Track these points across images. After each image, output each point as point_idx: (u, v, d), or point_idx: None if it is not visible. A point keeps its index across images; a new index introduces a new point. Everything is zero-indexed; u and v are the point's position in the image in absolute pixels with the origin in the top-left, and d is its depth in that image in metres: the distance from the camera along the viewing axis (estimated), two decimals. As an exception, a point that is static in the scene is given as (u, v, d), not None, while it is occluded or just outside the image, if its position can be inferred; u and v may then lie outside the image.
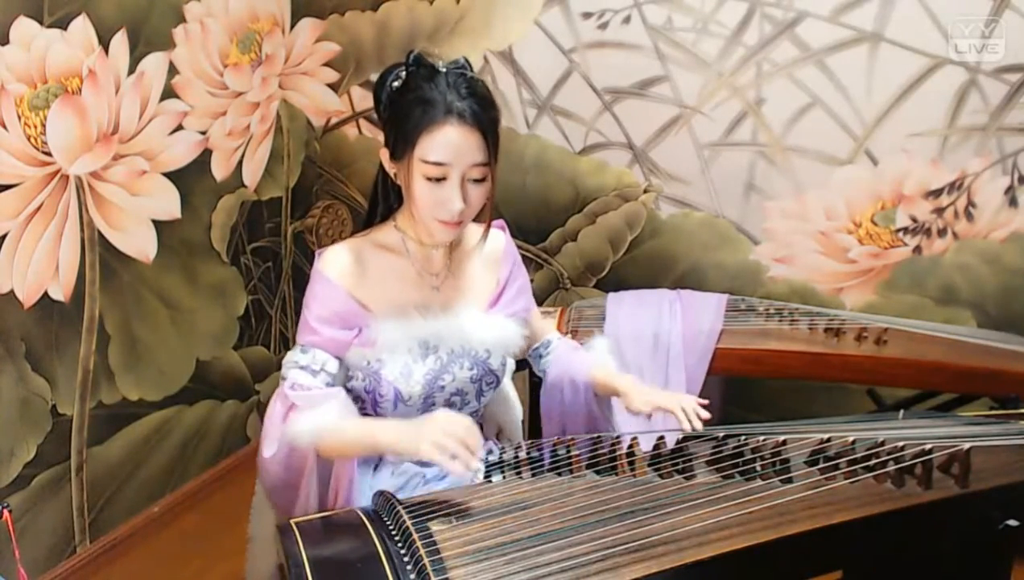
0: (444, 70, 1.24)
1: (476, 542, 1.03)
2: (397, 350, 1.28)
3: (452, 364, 1.32)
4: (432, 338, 1.31)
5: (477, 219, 1.31)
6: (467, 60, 1.28)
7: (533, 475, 1.21)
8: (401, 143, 1.23)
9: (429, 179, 1.22)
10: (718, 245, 2.40)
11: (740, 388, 2.31)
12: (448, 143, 1.20)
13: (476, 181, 1.24)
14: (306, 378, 1.26)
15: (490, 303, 1.39)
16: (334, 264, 1.29)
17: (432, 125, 1.20)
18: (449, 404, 1.34)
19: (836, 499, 1.11)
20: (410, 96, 1.23)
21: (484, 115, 1.22)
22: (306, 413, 1.22)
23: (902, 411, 1.79)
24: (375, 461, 1.35)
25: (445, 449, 1.08)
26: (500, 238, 1.46)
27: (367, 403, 1.32)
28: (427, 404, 1.32)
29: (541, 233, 2.53)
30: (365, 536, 1.07)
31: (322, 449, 1.23)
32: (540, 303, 2.51)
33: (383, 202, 1.37)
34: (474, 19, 2.45)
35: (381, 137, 1.31)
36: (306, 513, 1.25)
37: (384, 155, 1.30)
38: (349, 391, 1.33)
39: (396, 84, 1.26)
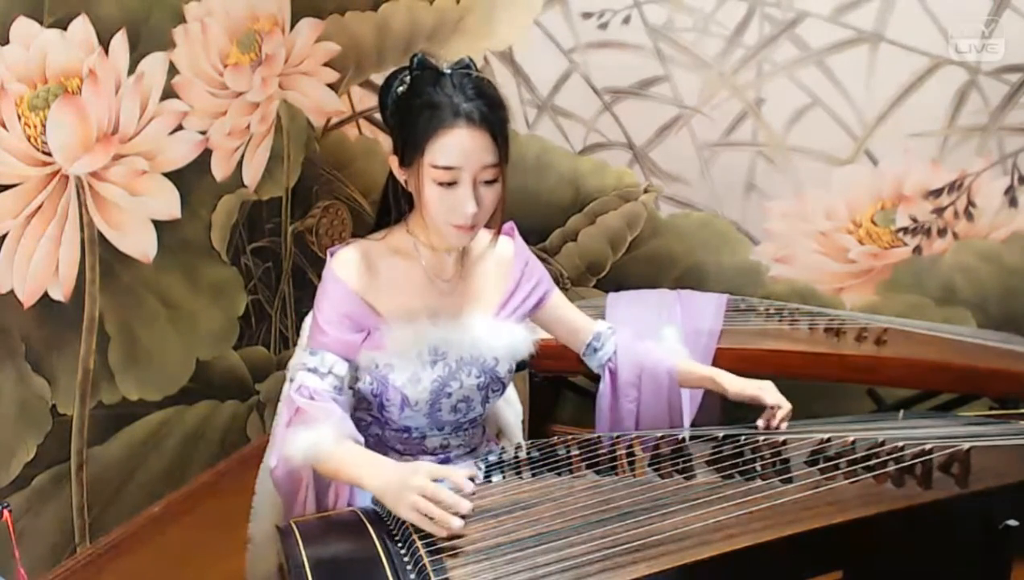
0: (448, 72, 1.21)
1: (476, 542, 1.03)
2: (406, 355, 1.27)
3: (460, 371, 1.31)
4: (441, 344, 1.30)
5: (488, 223, 1.27)
6: (471, 60, 1.25)
7: (533, 475, 1.21)
8: (410, 150, 1.21)
9: (440, 184, 1.19)
10: (718, 245, 2.40)
11: (740, 388, 2.30)
12: (458, 146, 1.17)
13: (488, 183, 1.21)
14: (313, 381, 1.24)
15: (499, 306, 1.38)
16: (346, 266, 1.28)
17: (441, 129, 1.17)
18: (454, 410, 1.34)
19: (836, 499, 1.11)
20: (416, 101, 1.20)
21: (492, 115, 1.19)
22: (302, 432, 1.20)
23: (902, 411, 1.79)
24: None
25: (422, 513, 1.04)
26: (509, 243, 1.43)
27: (373, 406, 1.32)
28: (433, 409, 1.32)
29: (541, 233, 2.53)
30: (365, 536, 1.07)
31: (316, 469, 1.23)
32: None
33: (394, 208, 1.34)
34: (474, 19, 2.45)
35: (381, 137, 1.32)
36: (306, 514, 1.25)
37: (393, 162, 1.27)
38: (356, 393, 1.32)
39: (401, 89, 1.24)
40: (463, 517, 1.04)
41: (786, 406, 1.37)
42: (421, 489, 1.05)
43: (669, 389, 1.43)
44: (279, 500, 1.41)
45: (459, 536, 1.03)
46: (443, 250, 1.33)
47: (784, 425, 1.35)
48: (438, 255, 1.34)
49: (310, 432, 1.19)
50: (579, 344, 1.50)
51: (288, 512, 1.28)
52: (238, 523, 1.50)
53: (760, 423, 1.36)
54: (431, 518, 1.03)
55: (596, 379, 1.53)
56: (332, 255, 1.30)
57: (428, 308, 1.31)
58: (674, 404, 1.45)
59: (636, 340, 1.49)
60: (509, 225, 1.45)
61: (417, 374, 1.28)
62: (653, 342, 1.51)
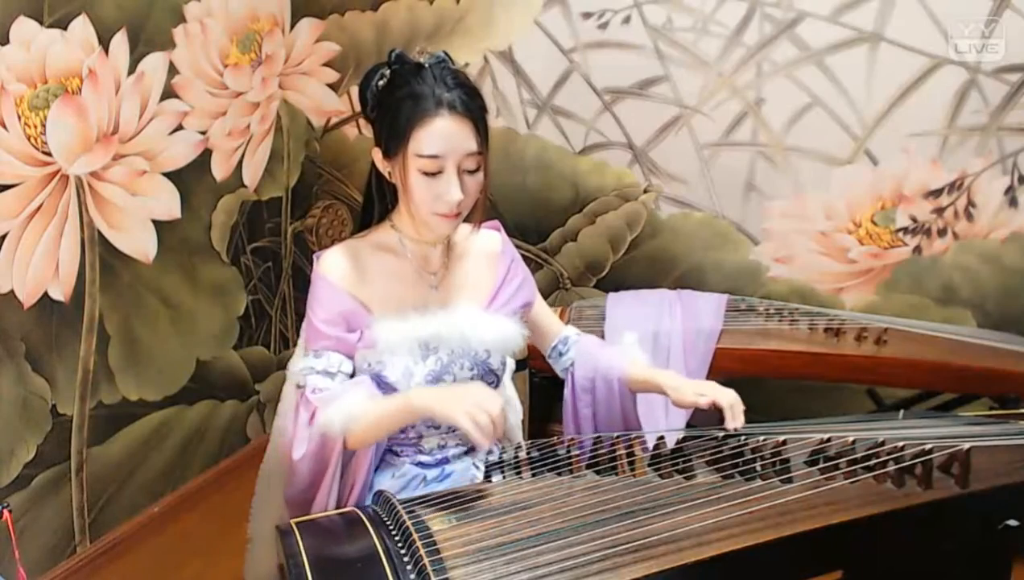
0: (428, 64, 1.24)
1: (476, 542, 1.03)
2: (398, 351, 1.28)
3: (452, 364, 1.32)
4: (432, 339, 1.31)
5: (471, 215, 1.31)
6: (447, 53, 1.28)
7: (533, 475, 1.21)
8: (394, 140, 1.24)
9: (425, 173, 1.22)
10: (718, 245, 2.40)
11: (740, 388, 2.30)
12: (441, 134, 1.21)
13: (471, 172, 1.25)
14: (326, 382, 1.26)
15: (488, 301, 1.39)
16: (334, 267, 1.29)
17: (424, 118, 1.21)
18: None
19: (836, 499, 1.11)
20: (398, 93, 1.23)
21: (473, 104, 1.23)
22: (335, 402, 1.22)
23: (902, 411, 1.79)
24: (376, 462, 1.35)
25: (477, 421, 1.11)
26: (496, 237, 1.47)
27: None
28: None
29: (541, 233, 2.53)
30: (365, 536, 1.07)
31: (355, 433, 1.22)
32: (540, 303, 2.51)
33: (378, 203, 1.37)
34: (474, 19, 2.45)
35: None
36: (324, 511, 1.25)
37: (377, 155, 1.30)
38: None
39: (382, 83, 1.26)
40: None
41: (737, 401, 1.35)
42: (482, 402, 1.13)
43: (620, 395, 1.46)
44: (279, 500, 1.41)
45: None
46: (428, 242, 1.35)
47: (738, 424, 1.32)
48: (424, 248, 1.35)
49: (341, 401, 1.22)
50: (546, 346, 1.54)
51: (304, 507, 1.27)
52: (238, 523, 1.50)
53: (731, 426, 1.31)
54: (480, 428, 1.11)
55: None
56: (318, 258, 1.31)
57: (416, 302, 1.32)
58: (627, 409, 1.47)
59: (596, 346, 1.52)
60: (495, 222, 1.48)
61: (409, 369, 1.29)
62: (611, 348, 1.52)
